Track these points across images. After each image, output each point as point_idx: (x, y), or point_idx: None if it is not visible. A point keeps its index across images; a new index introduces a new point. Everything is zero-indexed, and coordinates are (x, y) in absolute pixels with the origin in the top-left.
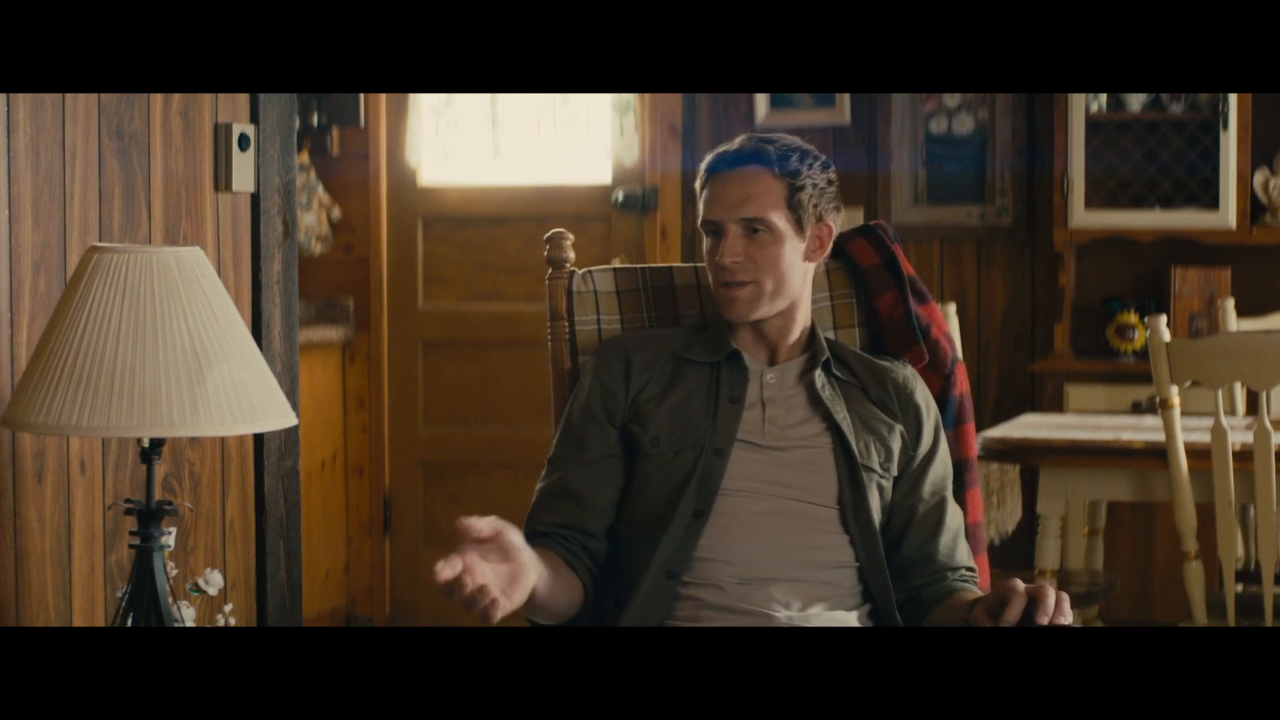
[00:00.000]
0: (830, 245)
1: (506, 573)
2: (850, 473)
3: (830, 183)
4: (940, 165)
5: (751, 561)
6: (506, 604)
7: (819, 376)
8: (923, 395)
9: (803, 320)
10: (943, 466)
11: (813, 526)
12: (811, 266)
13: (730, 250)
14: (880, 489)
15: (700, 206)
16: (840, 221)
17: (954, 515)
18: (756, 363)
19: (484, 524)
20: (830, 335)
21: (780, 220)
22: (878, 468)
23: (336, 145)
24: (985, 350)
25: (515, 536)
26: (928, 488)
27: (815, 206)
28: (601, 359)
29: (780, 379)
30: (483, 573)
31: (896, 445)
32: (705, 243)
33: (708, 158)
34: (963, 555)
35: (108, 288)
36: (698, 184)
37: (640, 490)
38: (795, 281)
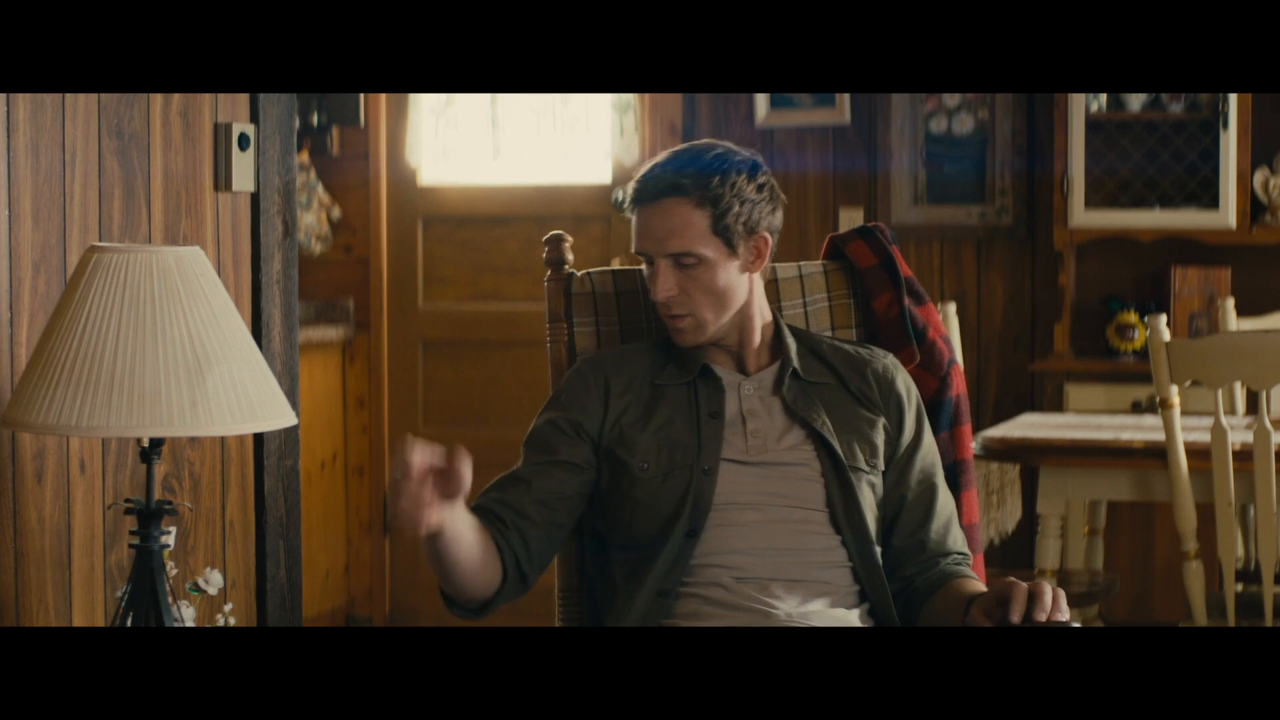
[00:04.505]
0: (770, 252)
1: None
2: (838, 476)
3: (761, 189)
4: (940, 165)
5: (747, 566)
6: (432, 518)
7: (788, 384)
8: (904, 383)
9: (760, 321)
10: (929, 453)
11: (805, 530)
12: (756, 274)
13: (663, 286)
14: (871, 485)
15: (632, 233)
16: (780, 221)
17: (945, 502)
18: (729, 373)
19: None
20: (828, 334)
21: (708, 250)
22: (864, 465)
23: (336, 145)
24: (985, 350)
25: (466, 470)
26: (915, 475)
27: (745, 223)
28: (579, 379)
29: (758, 389)
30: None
31: (880, 438)
32: (644, 268)
33: (631, 183)
34: (955, 541)
35: (107, 288)
36: (625, 209)
37: (632, 512)
38: (736, 297)
